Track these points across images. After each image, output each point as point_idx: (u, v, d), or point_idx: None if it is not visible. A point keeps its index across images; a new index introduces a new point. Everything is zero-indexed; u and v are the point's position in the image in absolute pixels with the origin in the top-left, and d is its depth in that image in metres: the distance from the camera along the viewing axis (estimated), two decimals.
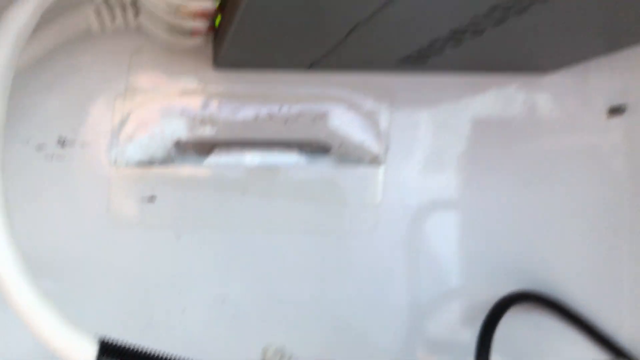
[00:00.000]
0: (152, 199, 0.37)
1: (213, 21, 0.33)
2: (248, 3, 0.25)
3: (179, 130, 0.38)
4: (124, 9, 0.33)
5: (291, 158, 0.39)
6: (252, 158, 0.39)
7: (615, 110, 0.43)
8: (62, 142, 0.36)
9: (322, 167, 0.40)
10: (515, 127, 0.43)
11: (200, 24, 0.32)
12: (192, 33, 0.34)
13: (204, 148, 0.38)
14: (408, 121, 0.41)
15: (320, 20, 0.28)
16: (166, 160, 0.38)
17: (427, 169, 0.42)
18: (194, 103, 0.38)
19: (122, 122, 0.37)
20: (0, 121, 0.26)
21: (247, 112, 0.39)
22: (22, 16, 0.25)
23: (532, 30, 0.31)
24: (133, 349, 0.27)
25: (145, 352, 0.28)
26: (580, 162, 0.44)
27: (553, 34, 0.33)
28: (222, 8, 0.32)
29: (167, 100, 0.37)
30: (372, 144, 0.40)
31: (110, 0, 0.33)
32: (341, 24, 0.29)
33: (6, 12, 0.26)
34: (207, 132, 0.38)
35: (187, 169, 0.38)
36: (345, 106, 0.40)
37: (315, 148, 0.40)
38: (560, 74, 0.43)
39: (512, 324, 0.40)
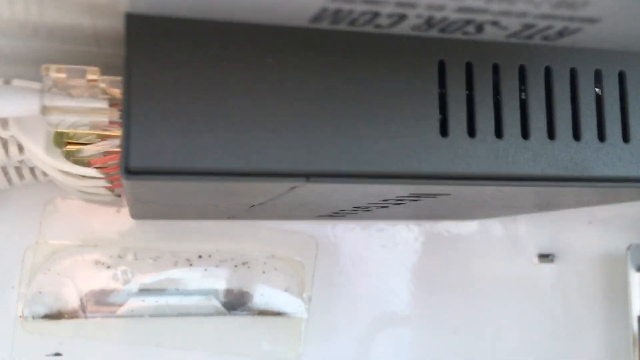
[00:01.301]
0: (57, 356, 0.36)
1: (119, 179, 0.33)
2: (129, 197, 0.25)
3: (92, 281, 0.37)
4: (32, 170, 0.32)
5: (210, 308, 0.38)
6: (169, 308, 0.38)
7: (545, 257, 0.43)
8: None
9: (243, 317, 0.39)
10: (454, 250, 0.42)
11: (109, 192, 0.32)
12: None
13: (116, 299, 0.37)
14: (334, 269, 0.40)
15: (212, 209, 0.28)
16: (76, 312, 0.36)
17: (349, 321, 0.41)
18: (109, 253, 0.37)
19: (32, 274, 0.36)
20: None
21: (165, 261, 0.38)
22: None
23: (449, 205, 0.31)
24: None
25: None
26: (519, 290, 0.43)
27: (472, 208, 0.33)
28: None
29: (80, 251, 0.37)
30: (294, 293, 0.40)
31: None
32: (238, 207, 0.29)
33: None
34: (121, 282, 0.37)
35: (97, 322, 0.37)
36: (267, 254, 0.39)
37: (236, 297, 0.39)
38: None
39: None
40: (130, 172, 0.18)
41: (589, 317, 0.44)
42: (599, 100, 0.22)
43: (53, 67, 0.20)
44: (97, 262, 0.37)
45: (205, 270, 0.38)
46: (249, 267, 0.39)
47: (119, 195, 0.36)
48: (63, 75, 0.21)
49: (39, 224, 0.36)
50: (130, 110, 0.18)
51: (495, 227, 0.43)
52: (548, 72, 0.22)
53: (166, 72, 0.19)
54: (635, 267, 0.41)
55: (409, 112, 0.20)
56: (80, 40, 0.26)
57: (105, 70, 0.22)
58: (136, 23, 0.19)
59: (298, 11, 0.14)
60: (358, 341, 0.41)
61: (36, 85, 0.21)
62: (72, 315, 0.36)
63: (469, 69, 0.21)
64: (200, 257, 0.38)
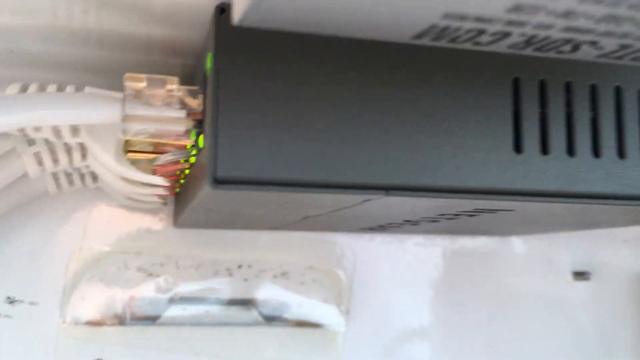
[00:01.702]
0: None
1: (173, 189, 0.33)
2: (195, 204, 0.25)
3: (134, 288, 0.37)
4: (82, 177, 0.33)
5: (249, 318, 0.39)
6: (208, 317, 0.38)
7: (580, 275, 0.43)
8: (11, 301, 0.35)
9: (281, 328, 0.39)
10: (488, 267, 0.43)
11: (158, 200, 0.32)
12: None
13: (157, 307, 0.37)
14: (371, 281, 0.41)
15: (265, 219, 0.28)
16: (117, 319, 0.37)
17: (387, 329, 0.41)
18: (151, 261, 0.37)
19: (75, 280, 0.36)
20: None
21: (205, 270, 0.38)
22: None
23: (500, 221, 0.31)
24: None
25: None
26: (549, 309, 0.43)
27: (519, 224, 0.33)
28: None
29: (123, 259, 0.37)
30: (332, 305, 0.40)
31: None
32: (292, 218, 0.29)
33: None
34: (162, 290, 0.37)
35: (138, 329, 0.37)
36: (306, 265, 0.40)
37: (275, 308, 0.39)
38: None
39: None
40: (218, 181, 0.19)
41: (622, 336, 0.44)
42: None
43: (134, 76, 0.21)
44: (139, 269, 0.37)
45: (245, 280, 0.39)
46: (287, 278, 0.39)
47: (166, 203, 0.36)
48: (143, 84, 0.21)
49: (83, 230, 0.36)
50: (218, 120, 0.19)
51: (530, 244, 0.43)
52: (618, 92, 0.22)
53: (253, 83, 0.19)
54: None
55: (484, 129, 0.21)
56: (150, 49, 0.26)
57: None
58: (226, 34, 0.19)
59: (406, 28, 0.15)
60: (393, 354, 0.41)
61: (117, 94, 0.21)
62: (114, 322, 0.36)
63: (542, 87, 0.21)
64: (240, 266, 0.39)
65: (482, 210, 0.24)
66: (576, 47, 0.16)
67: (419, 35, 0.16)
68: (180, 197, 0.33)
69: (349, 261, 0.40)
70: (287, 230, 0.39)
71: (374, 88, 0.20)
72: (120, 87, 0.21)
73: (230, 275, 0.38)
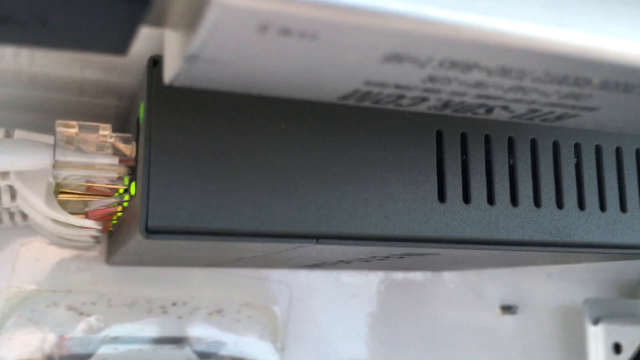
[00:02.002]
0: None
1: (106, 228, 0.33)
2: (127, 249, 0.25)
3: (64, 328, 0.36)
4: (11, 215, 0.32)
5: (183, 356, 0.38)
6: (141, 356, 0.37)
7: (507, 309, 0.45)
8: None
9: None
10: (422, 300, 0.44)
11: (90, 239, 0.31)
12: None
13: (89, 346, 0.36)
14: (306, 317, 0.41)
15: (198, 259, 0.29)
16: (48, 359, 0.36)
17: None
18: (83, 300, 0.36)
19: (2, 321, 0.35)
20: None
21: (139, 309, 0.38)
22: None
23: (430, 261, 0.32)
24: None
25: None
26: (479, 342, 0.45)
27: (448, 264, 0.34)
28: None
29: (53, 297, 0.36)
30: (268, 342, 0.40)
31: None
32: (226, 258, 0.29)
33: None
34: (94, 330, 0.37)
35: None
36: (242, 302, 0.40)
37: (209, 345, 0.39)
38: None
39: None
40: (149, 231, 0.19)
41: None
42: (578, 170, 0.24)
43: (65, 122, 0.21)
44: (69, 308, 0.36)
45: (180, 317, 0.38)
46: (223, 315, 0.39)
47: (99, 242, 0.36)
48: (75, 130, 0.21)
49: (11, 269, 0.35)
50: (149, 171, 0.19)
51: (462, 278, 0.45)
52: (533, 144, 0.24)
53: (184, 135, 0.20)
54: (592, 320, 0.43)
55: (410, 178, 0.22)
56: (83, 91, 0.26)
57: (98, 119, 0.23)
58: (158, 87, 0.20)
59: (331, 91, 0.15)
60: None
61: (48, 140, 0.21)
62: None
63: (463, 139, 0.23)
64: (174, 304, 0.38)
65: (410, 254, 0.25)
66: (490, 110, 0.17)
67: (344, 97, 0.16)
68: (113, 236, 0.33)
69: (284, 298, 0.41)
70: (222, 267, 0.39)
71: (304, 141, 0.21)
72: (52, 126, 0.21)
73: (165, 312, 0.38)
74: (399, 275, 0.43)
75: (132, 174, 0.22)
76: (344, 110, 0.21)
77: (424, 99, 0.16)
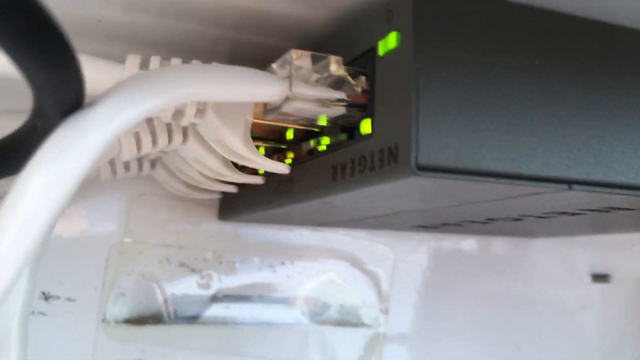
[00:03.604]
0: None
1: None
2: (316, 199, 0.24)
3: (176, 285, 0.35)
4: (140, 162, 0.30)
5: (291, 316, 0.37)
6: (251, 315, 0.36)
7: (600, 277, 0.45)
8: (46, 297, 0.32)
9: (323, 328, 0.38)
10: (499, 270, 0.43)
11: (230, 188, 0.30)
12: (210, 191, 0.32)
13: (200, 304, 0.35)
14: (411, 282, 0.40)
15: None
16: (159, 317, 0.34)
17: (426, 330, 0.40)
18: (194, 256, 0.35)
19: (115, 275, 0.33)
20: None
21: (249, 267, 0.36)
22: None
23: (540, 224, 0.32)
24: None
25: None
26: (555, 313, 0.44)
27: (545, 227, 0.34)
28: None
29: (166, 253, 0.34)
30: (373, 305, 0.39)
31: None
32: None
33: None
34: (205, 287, 0.35)
35: (180, 328, 0.34)
36: (348, 264, 0.39)
37: (317, 306, 0.38)
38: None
39: None
40: (420, 168, 0.17)
41: (633, 336, 0.45)
42: None
43: (300, 52, 0.19)
44: (182, 265, 0.35)
45: (288, 277, 0.37)
46: (329, 277, 0.38)
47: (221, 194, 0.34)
48: (308, 61, 0.19)
49: (125, 222, 0.34)
50: (419, 103, 0.18)
51: (551, 247, 0.44)
52: None
53: (447, 67, 0.18)
54: None
55: None
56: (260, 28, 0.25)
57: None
58: (423, 16, 0.18)
59: None
60: (435, 350, 0.40)
61: (281, 71, 0.20)
62: (156, 320, 0.34)
63: None
64: (283, 263, 0.37)
65: (610, 209, 0.24)
66: None
67: None
68: (243, 190, 0.31)
69: (389, 261, 0.40)
70: (331, 227, 0.37)
71: (556, 79, 0.19)
72: None
73: (274, 272, 0.37)
74: (499, 241, 0.43)
75: (362, 112, 0.20)
76: (592, 50, 0.20)
77: None
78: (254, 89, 0.18)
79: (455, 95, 0.18)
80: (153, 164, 0.31)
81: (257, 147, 0.26)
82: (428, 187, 0.19)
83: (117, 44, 0.27)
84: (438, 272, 0.41)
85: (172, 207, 0.35)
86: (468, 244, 0.42)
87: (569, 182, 0.19)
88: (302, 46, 0.23)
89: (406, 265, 0.40)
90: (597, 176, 0.20)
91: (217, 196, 0.33)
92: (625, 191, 0.20)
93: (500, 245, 0.43)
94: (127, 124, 0.15)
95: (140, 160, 0.30)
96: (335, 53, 0.20)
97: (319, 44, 0.25)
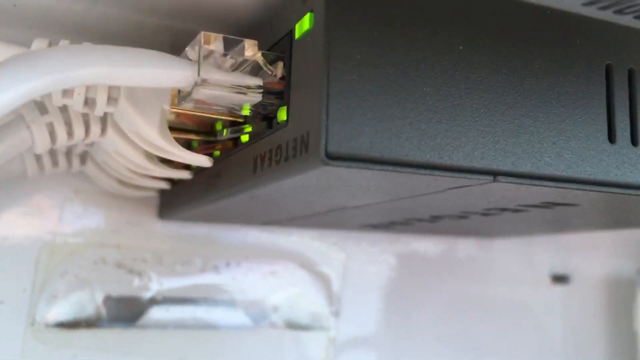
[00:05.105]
0: None
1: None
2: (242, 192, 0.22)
3: (112, 286, 0.33)
4: (69, 157, 0.29)
5: (236, 319, 0.36)
6: (193, 319, 0.35)
7: (559, 279, 0.44)
8: None
9: (269, 330, 0.36)
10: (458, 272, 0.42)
11: (160, 184, 0.29)
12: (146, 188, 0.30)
13: (137, 307, 0.34)
14: (361, 282, 0.39)
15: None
16: (93, 321, 0.33)
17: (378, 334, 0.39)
18: (133, 256, 0.33)
19: (46, 277, 0.32)
20: None
21: (191, 268, 0.35)
22: None
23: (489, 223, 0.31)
24: None
25: None
26: (514, 314, 0.43)
27: (499, 226, 0.33)
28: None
29: (101, 253, 0.33)
30: (323, 307, 0.38)
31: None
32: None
33: None
34: (143, 289, 0.34)
35: (116, 332, 0.33)
36: (297, 265, 0.37)
37: (263, 309, 0.36)
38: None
39: None
40: (329, 157, 0.16)
41: (594, 338, 0.45)
42: None
43: (211, 35, 0.18)
44: (119, 266, 0.33)
45: (233, 279, 0.36)
46: (277, 278, 0.37)
47: (159, 191, 0.33)
48: (220, 45, 0.18)
49: (57, 220, 0.32)
50: (330, 88, 0.16)
51: (512, 247, 0.43)
52: None
53: (364, 52, 0.17)
54: None
55: (581, 115, 0.20)
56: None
57: None
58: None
59: None
60: (391, 355, 0.39)
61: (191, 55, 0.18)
62: (89, 324, 0.32)
63: (630, 76, 0.21)
64: (228, 264, 0.36)
65: (551, 204, 0.23)
66: None
67: (592, 2, 0.14)
68: (175, 187, 0.30)
69: (339, 262, 0.38)
70: (278, 226, 0.36)
71: (480, 65, 0.18)
72: None
73: (218, 273, 0.35)
74: (452, 241, 0.42)
75: (278, 99, 0.19)
76: (520, 34, 0.19)
77: None
78: (156, 72, 0.17)
79: (371, 80, 0.17)
80: (83, 158, 0.29)
81: (190, 140, 0.25)
82: (344, 178, 0.18)
83: (48, 32, 0.26)
84: (394, 273, 0.40)
85: (108, 205, 0.33)
86: (425, 244, 0.41)
87: (494, 174, 0.18)
88: (237, 33, 0.22)
89: (359, 266, 0.39)
90: (525, 168, 0.19)
91: (152, 193, 0.32)
92: (557, 184, 0.19)
93: (460, 246, 0.42)
94: (4, 105, 0.14)
95: (68, 155, 0.29)
96: (260, 38, 0.19)
97: (250, 30, 0.24)
